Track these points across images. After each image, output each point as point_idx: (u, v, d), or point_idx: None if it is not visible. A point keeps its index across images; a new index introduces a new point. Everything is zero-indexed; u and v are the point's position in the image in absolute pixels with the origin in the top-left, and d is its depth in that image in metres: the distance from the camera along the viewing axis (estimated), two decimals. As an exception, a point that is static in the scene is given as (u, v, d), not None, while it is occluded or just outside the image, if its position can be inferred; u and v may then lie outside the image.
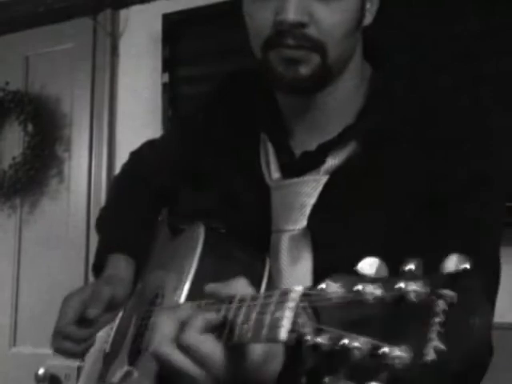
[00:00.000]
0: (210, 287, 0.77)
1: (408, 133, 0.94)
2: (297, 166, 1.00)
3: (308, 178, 0.97)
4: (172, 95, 2.57)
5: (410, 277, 0.51)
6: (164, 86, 2.58)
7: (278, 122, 1.04)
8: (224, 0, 2.49)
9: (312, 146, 0.99)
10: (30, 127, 2.83)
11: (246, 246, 0.99)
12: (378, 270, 0.56)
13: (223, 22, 2.48)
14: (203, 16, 2.54)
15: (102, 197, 2.70)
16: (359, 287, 0.53)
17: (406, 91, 0.98)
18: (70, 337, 1.07)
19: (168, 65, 2.59)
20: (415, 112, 0.95)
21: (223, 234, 1.03)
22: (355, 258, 0.90)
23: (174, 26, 2.59)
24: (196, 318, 0.72)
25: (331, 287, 0.57)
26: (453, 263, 0.50)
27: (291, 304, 0.60)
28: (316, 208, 0.96)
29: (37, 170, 2.81)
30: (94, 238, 2.80)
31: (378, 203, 0.94)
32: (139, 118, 2.69)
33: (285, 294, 0.62)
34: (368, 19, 0.96)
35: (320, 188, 0.96)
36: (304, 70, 0.90)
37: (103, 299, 1.07)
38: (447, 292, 0.49)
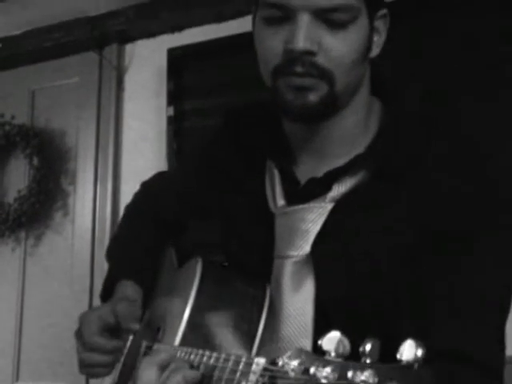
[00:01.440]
0: None
1: (415, 169, 0.94)
2: (302, 193, 1.00)
3: (313, 204, 0.98)
4: (177, 128, 2.59)
5: (361, 365, 0.52)
6: (169, 119, 2.60)
7: (283, 150, 1.05)
8: (227, 35, 2.52)
9: (318, 173, 1.00)
10: (35, 161, 2.85)
11: (246, 275, 0.99)
12: (337, 346, 0.56)
13: (227, 56, 2.52)
14: (207, 50, 2.57)
15: (106, 230, 2.70)
16: (312, 370, 0.54)
17: (414, 129, 0.99)
18: (99, 348, 1.07)
19: (173, 98, 2.61)
20: (422, 151, 0.96)
21: (222, 266, 1.03)
22: (355, 289, 0.92)
23: (179, 60, 2.62)
24: (177, 373, 0.72)
25: (288, 365, 0.57)
26: (406, 350, 0.51)
27: (253, 377, 0.62)
28: (320, 235, 0.96)
29: (42, 204, 2.81)
30: (99, 272, 2.80)
31: (382, 234, 0.94)
32: (144, 152, 2.70)
33: (249, 364, 0.64)
34: (375, 51, 0.98)
35: (325, 215, 0.97)
36: (312, 98, 0.92)
37: (133, 314, 1.09)
38: None
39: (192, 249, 1.12)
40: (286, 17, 0.90)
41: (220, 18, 2.58)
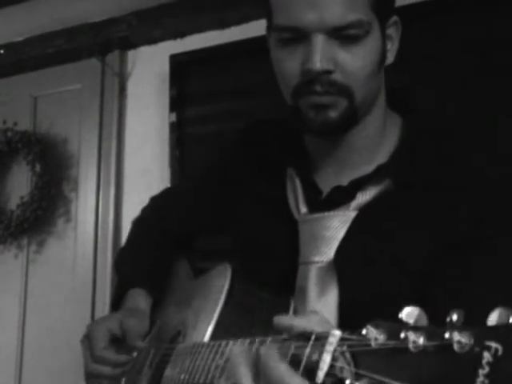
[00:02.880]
0: (281, 319, 0.71)
1: (437, 179, 0.96)
2: (326, 201, 1.02)
3: (338, 212, 0.99)
4: (179, 135, 2.59)
5: (453, 327, 0.51)
6: (171, 125, 2.60)
7: (304, 159, 1.07)
8: (230, 41, 2.52)
9: (340, 181, 1.02)
10: (37, 167, 2.84)
11: (273, 283, 0.99)
12: (417, 320, 0.55)
13: (230, 63, 2.52)
14: (210, 56, 2.57)
15: (108, 236, 2.69)
16: (402, 335, 0.53)
17: (435, 140, 1.01)
18: (108, 361, 1.10)
19: (175, 105, 2.61)
20: (444, 162, 0.97)
21: (249, 274, 1.03)
22: (379, 295, 0.92)
23: (182, 67, 2.62)
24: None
25: (372, 333, 0.56)
26: (497, 316, 0.50)
27: (329, 348, 0.60)
28: (344, 242, 0.98)
29: (44, 210, 2.80)
30: (101, 278, 2.80)
31: (404, 242, 0.95)
32: (147, 158, 2.70)
33: (323, 337, 0.62)
34: (390, 59, 1.00)
35: (349, 223, 0.98)
36: (333, 114, 0.94)
37: (139, 331, 1.11)
38: (492, 344, 0.48)
39: (210, 258, 1.12)
40: (300, 37, 0.92)
41: (223, 24, 2.58)
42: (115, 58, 2.82)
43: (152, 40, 2.76)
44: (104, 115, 2.82)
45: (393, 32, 0.99)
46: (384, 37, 0.96)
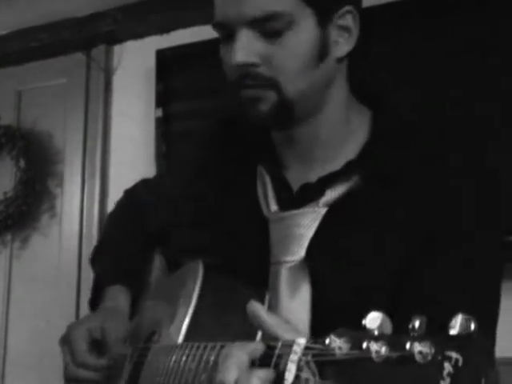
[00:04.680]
0: (256, 306, 0.73)
1: (406, 175, 0.96)
2: (296, 198, 1.01)
3: (307, 209, 0.98)
4: (165, 130, 2.58)
5: (415, 336, 0.50)
6: (157, 121, 2.59)
7: (273, 155, 1.06)
8: (216, 36, 2.50)
9: (309, 177, 1.01)
10: (21, 162, 2.82)
11: (245, 280, 0.99)
12: (381, 325, 0.55)
13: (217, 58, 2.50)
14: (197, 52, 2.55)
15: (93, 232, 2.68)
16: (364, 344, 0.52)
17: (405, 135, 1.00)
18: (88, 365, 1.08)
19: (161, 100, 2.60)
20: (413, 157, 0.97)
21: (222, 270, 1.03)
22: (352, 291, 0.92)
23: (168, 62, 2.61)
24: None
25: (335, 342, 0.56)
26: (458, 324, 0.49)
27: (294, 357, 0.60)
28: (314, 240, 0.97)
29: (28, 206, 2.79)
30: (86, 274, 2.79)
31: (375, 237, 0.95)
32: (132, 154, 2.69)
33: (288, 345, 0.61)
34: (342, 50, 0.97)
35: (319, 220, 0.98)
36: (264, 107, 0.95)
37: (119, 337, 1.10)
38: (453, 354, 0.48)
39: (183, 254, 1.11)
40: (231, 34, 0.95)
41: (209, 19, 2.54)
42: (101, 52, 2.81)
43: (138, 35, 2.75)
44: (89, 110, 2.81)
45: (348, 22, 0.96)
46: (325, 28, 0.94)
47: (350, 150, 1.00)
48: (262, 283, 0.98)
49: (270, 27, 0.92)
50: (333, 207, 0.98)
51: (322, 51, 0.95)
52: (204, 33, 2.55)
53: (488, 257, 0.92)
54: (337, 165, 0.99)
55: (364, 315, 0.56)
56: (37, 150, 2.86)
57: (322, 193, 0.98)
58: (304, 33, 0.93)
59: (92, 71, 2.82)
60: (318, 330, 0.91)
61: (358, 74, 1.04)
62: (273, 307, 0.95)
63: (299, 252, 0.97)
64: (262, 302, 0.95)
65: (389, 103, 1.05)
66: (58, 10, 2.72)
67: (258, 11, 0.91)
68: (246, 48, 0.92)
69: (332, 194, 0.98)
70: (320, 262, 0.96)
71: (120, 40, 2.79)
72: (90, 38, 2.77)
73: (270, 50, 0.93)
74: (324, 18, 0.94)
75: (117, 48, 2.82)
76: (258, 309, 0.72)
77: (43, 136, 2.89)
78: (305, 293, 0.95)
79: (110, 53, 2.83)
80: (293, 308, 0.94)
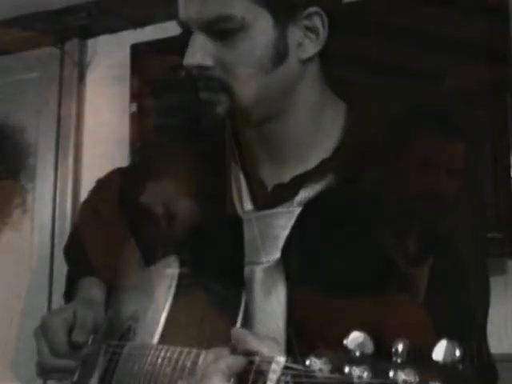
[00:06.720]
0: (239, 333, 0.75)
1: (381, 173, 0.96)
2: (270, 198, 1.00)
3: (281, 209, 0.98)
4: (140, 125, 2.56)
5: (399, 364, 0.50)
6: (132, 115, 2.57)
7: (247, 154, 1.05)
8: (192, 31, 2.50)
9: (284, 176, 1.00)
10: (-7, 156, 2.79)
11: (221, 280, 0.98)
12: (362, 346, 0.54)
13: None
14: (171, 46, 2.54)
15: (66, 227, 2.65)
16: (347, 369, 0.51)
17: (380, 133, 0.99)
18: (68, 354, 1.07)
19: (136, 95, 2.59)
20: (388, 154, 0.97)
21: (196, 267, 1.02)
22: (328, 290, 0.92)
23: (142, 57, 2.60)
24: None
25: (315, 364, 0.55)
26: (443, 350, 0.49)
27: (272, 376, 0.59)
28: (289, 239, 0.96)
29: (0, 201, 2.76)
30: (58, 269, 2.76)
31: (350, 236, 0.94)
32: (106, 149, 2.66)
33: (267, 362, 0.61)
34: (307, 52, 0.96)
35: (293, 219, 0.97)
36: (220, 110, 0.95)
37: (89, 325, 1.08)
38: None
39: (158, 249, 1.10)
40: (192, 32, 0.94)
41: (183, 14, 2.56)
42: (74, 46, 2.78)
43: (112, 29, 2.73)
44: (63, 105, 2.78)
45: (315, 23, 0.94)
46: (285, 30, 0.93)
47: (324, 149, 0.99)
48: (236, 283, 0.97)
49: (223, 30, 0.91)
50: (307, 206, 0.97)
51: (281, 53, 0.93)
52: (178, 28, 2.56)
53: (474, 251, 0.94)
54: (311, 164, 0.98)
55: (345, 335, 0.55)
56: (9, 144, 2.83)
57: (296, 192, 0.97)
58: (258, 35, 0.92)
59: (65, 65, 2.79)
60: (294, 330, 0.92)
61: (332, 71, 1.03)
62: (249, 306, 0.95)
63: (274, 253, 0.96)
64: (238, 302, 0.96)
65: (363, 98, 1.04)
66: (31, 2, 2.69)
67: (210, 14, 0.91)
68: (199, 50, 0.92)
69: (306, 194, 0.97)
70: (295, 261, 0.96)
71: (94, 34, 2.77)
72: (64, 31, 2.74)
73: (222, 52, 0.92)
74: (283, 19, 0.93)
75: (91, 42, 2.80)
76: (242, 334, 0.73)
77: (16, 130, 2.85)
78: (280, 293, 0.94)
79: (84, 47, 2.80)
80: (268, 309, 0.94)
